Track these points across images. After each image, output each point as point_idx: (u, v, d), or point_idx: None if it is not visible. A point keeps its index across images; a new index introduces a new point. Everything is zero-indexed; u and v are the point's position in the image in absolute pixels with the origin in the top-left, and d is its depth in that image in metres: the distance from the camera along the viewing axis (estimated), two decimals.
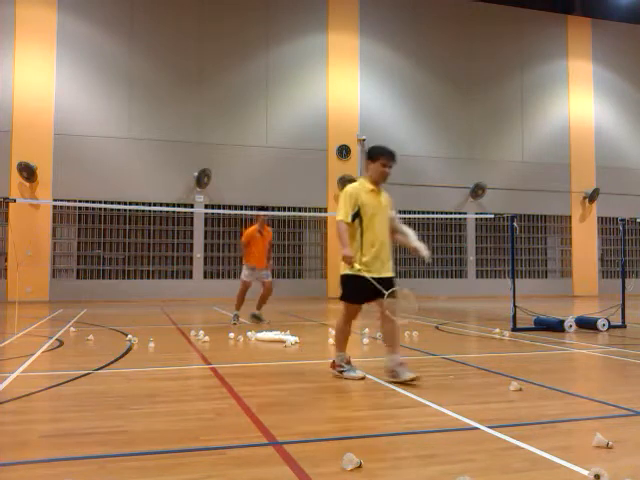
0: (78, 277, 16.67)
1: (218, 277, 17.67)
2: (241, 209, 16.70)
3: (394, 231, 4.88)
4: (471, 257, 20.25)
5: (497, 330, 7.94)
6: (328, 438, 3.13)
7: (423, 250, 4.84)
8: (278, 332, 7.45)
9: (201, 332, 7.37)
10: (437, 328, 8.88)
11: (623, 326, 8.79)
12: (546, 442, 2.99)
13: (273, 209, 16.19)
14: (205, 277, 17.59)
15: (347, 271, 4.60)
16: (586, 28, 22.05)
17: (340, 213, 4.65)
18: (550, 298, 18.51)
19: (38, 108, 16.26)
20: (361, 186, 4.72)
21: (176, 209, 17.17)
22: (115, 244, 16.98)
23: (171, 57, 17.59)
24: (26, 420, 3.51)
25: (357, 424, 3.44)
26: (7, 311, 11.51)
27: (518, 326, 8.30)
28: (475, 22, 20.66)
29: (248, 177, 17.82)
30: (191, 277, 17.51)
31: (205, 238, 17.68)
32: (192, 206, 17.33)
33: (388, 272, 4.66)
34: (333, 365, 4.86)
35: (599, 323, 8.28)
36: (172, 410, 3.72)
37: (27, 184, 16.00)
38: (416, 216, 11.45)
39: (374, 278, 4.51)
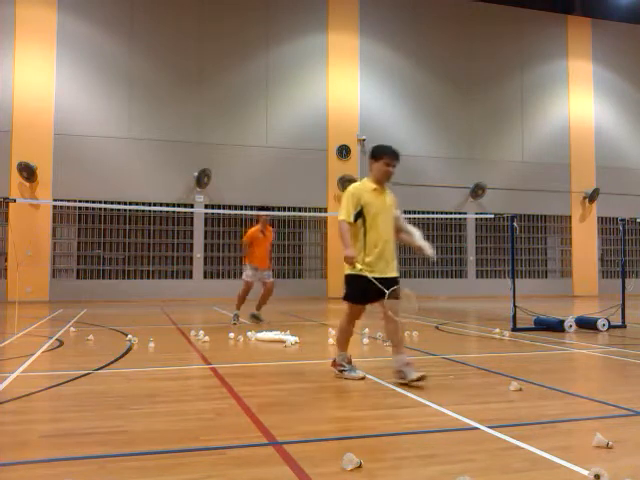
0: (78, 277, 16.67)
1: (218, 277, 17.67)
2: (241, 209, 16.70)
3: (399, 230, 4.87)
4: (471, 257, 20.25)
5: (497, 330, 7.94)
6: (328, 438, 3.13)
7: (428, 249, 4.82)
8: (278, 332, 7.45)
9: (201, 332, 7.37)
10: (437, 328, 8.88)
11: (623, 326, 8.79)
12: (546, 442, 2.99)
13: (273, 209, 16.19)
14: (205, 277, 17.59)
15: (351, 271, 4.59)
16: (586, 28, 22.05)
17: (342, 213, 4.62)
18: (550, 298, 18.51)
19: (38, 108, 16.26)
20: (364, 185, 4.70)
21: (176, 209, 17.17)
22: (115, 244, 16.98)
23: (171, 57, 17.59)
24: (26, 420, 3.51)
25: (357, 424, 3.44)
26: (7, 311, 11.51)
27: (518, 326, 8.30)
28: (475, 22, 20.66)
29: (248, 177, 17.82)
30: (191, 277, 17.51)
31: (205, 238, 17.68)
32: (192, 206, 17.33)
33: (393, 272, 4.63)
34: (334, 364, 4.86)
35: (599, 323, 8.28)
36: (172, 410, 3.72)
37: (27, 184, 16.00)
38: (416, 216, 11.44)
39: (378, 278, 4.48)
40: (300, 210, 17.75)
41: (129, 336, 7.07)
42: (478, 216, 18.99)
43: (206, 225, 17.72)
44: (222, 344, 6.94)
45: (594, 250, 21.62)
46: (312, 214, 15.48)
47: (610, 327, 8.33)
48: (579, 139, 21.64)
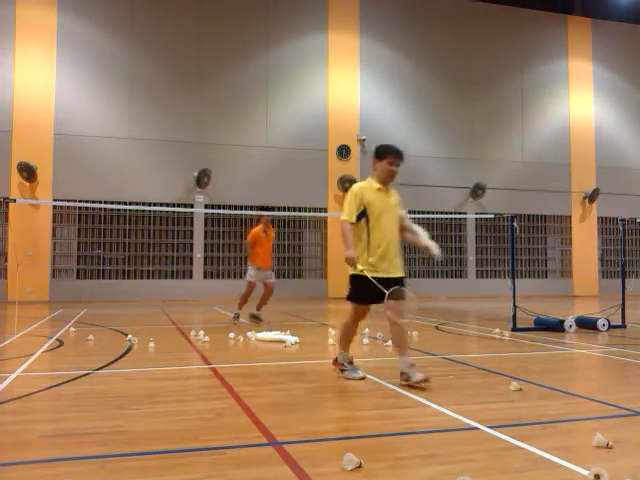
0: (78, 277, 16.68)
1: (218, 277, 17.67)
2: (241, 209, 16.71)
3: (404, 230, 4.85)
4: (471, 257, 20.25)
5: (497, 330, 7.95)
6: (328, 438, 3.13)
7: (434, 249, 4.81)
8: (278, 332, 7.45)
9: (201, 332, 7.37)
10: (437, 328, 8.88)
11: (623, 326, 8.79)
12: (546, 442, 2.99)
13: (273, 209, 16.19)
14: (205, 277, 17.59)
15: (353, 271, 4.57)
16: (586, 28, 22.05)
17: (344, 213, 4.60)
18: (550, 298, 18.51)
19: (38, 108, 16.26)
20: (368, 185, 4.68)
21: (176, 209, 17.17)
22: (115, 244, 16.98)
23: (171, 57, 17.59)
24: (26, 420, 3.51)
25: (357, 424, 3.44)
26: (7, 311, 11.51)
27: (518, 326, 8.30)
28: (475, 22, 20.66)
29: (248, 177, 17.82)
30: (191, 277, 17.51)
31: (205, 238, 17.68)
32: (192, 206, 17.33)
33: (397, 272, 4.59)
34: (335, 363, 4.85)
35: (599, 323, 8.28)
36: (172, 410, 3.72)
37: (27, 184, 16.00)
38: (416, 216, 11.42)
39: (381, 278, 4.45)
40: (300, 210, 17.75)
41: (129, 336, 7.07)
42: (478, 216, 18.99)
43: (206, 225, 17.73)
44: (222, 344, 6.94)
45: (594, 250, 21.63)
46: (312, 214, 15.49)
47: (610, 327, 8.33)
48: (579, 139, 21.65)
